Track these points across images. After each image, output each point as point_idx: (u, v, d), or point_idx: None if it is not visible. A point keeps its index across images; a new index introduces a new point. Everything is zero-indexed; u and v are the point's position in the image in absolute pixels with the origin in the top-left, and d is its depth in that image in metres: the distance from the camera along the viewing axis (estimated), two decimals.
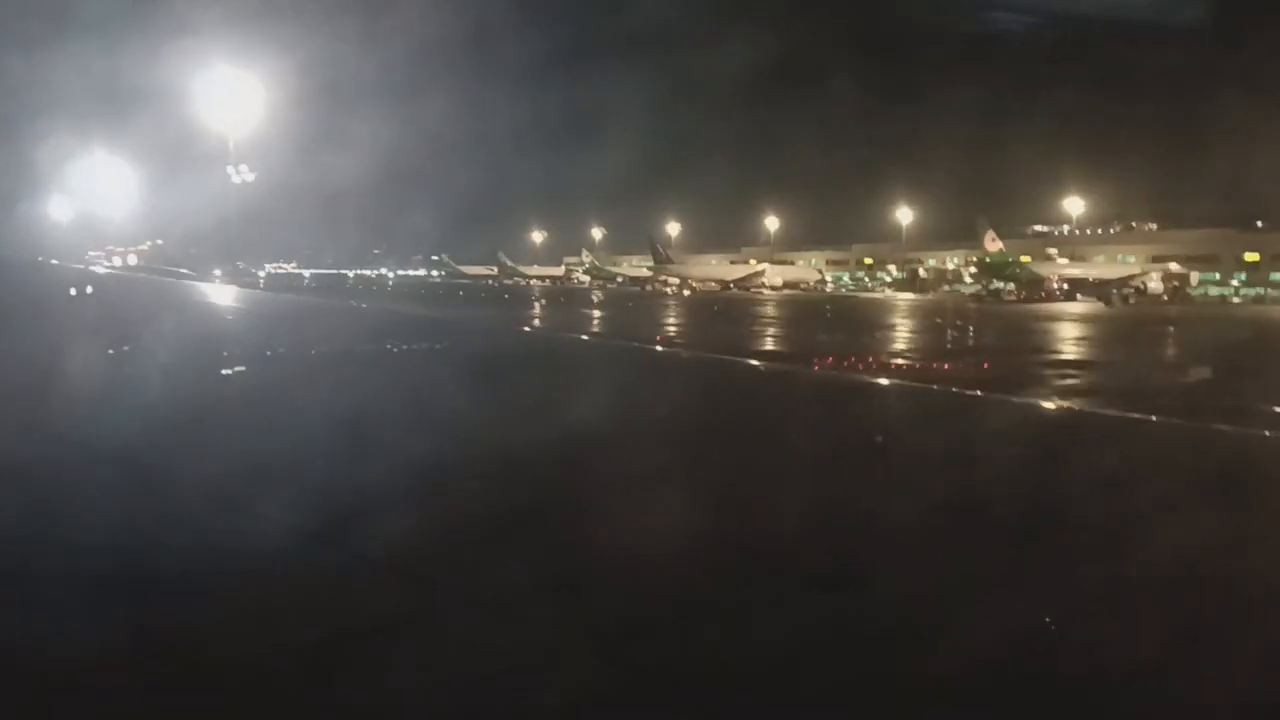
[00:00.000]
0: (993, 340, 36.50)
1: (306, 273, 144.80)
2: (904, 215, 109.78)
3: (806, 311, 58.40)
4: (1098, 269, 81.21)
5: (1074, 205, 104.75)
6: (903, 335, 38.81)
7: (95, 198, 63.18)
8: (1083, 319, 51.79)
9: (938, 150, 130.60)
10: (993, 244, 77.97)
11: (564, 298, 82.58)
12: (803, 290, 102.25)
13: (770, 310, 59.26)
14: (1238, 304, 79.72)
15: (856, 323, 45.85)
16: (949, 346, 34.01)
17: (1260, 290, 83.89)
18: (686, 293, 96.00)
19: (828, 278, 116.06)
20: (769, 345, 33.83)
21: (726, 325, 46.50)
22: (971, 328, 41.67)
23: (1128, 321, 50.67)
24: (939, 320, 48.24)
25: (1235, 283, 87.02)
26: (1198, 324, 47.96)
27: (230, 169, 46.66)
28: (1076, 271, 79.27)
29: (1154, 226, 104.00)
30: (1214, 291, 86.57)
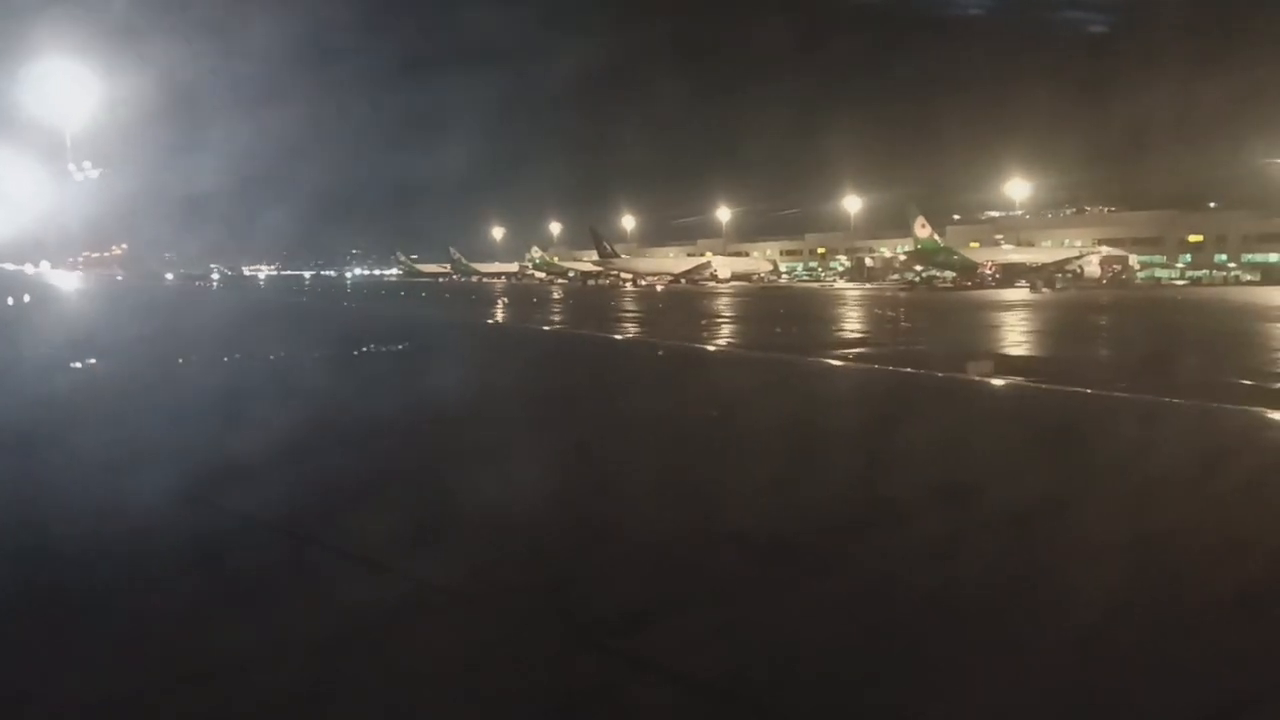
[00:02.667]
0: (831, 325, 35.18)
1: (263, 274, 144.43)
2: (853, 203, 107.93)
3: (706, 302, 56.89)
4: (1034, 254, 79.31)
5: (1029, 190, 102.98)
6: (745, 322, 37.42)
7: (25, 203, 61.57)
8: (989, 304, 50.26)
9: (894, 138, 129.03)
10: (923, 230, 76.06)
11: (475, 292, 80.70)
12: (752, 282, 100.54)
13: (671, 301, 57.80)
14: (1175, 286, 77.85)
15: (727, 311, 44.49)
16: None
17: (1206, 272, 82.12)
18: (630, 286, 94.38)
19: (782, 268, 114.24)
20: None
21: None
22: (842, 315, 40.24)
23: (1025, 306, 48.99)
24: (815, 309, 46.77)
25: (1180, 265, 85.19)
26: (1096, 308, 46.38)
27: (71, 166, 44.92)
28: (1011, 257, 77.44)
29: (1110, 209, 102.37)
30: (1161, 274, 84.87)
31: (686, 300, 60.87)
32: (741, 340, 28.55)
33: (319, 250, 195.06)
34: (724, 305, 52.97)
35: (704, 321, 38.30)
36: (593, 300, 63.83)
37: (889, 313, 42.93)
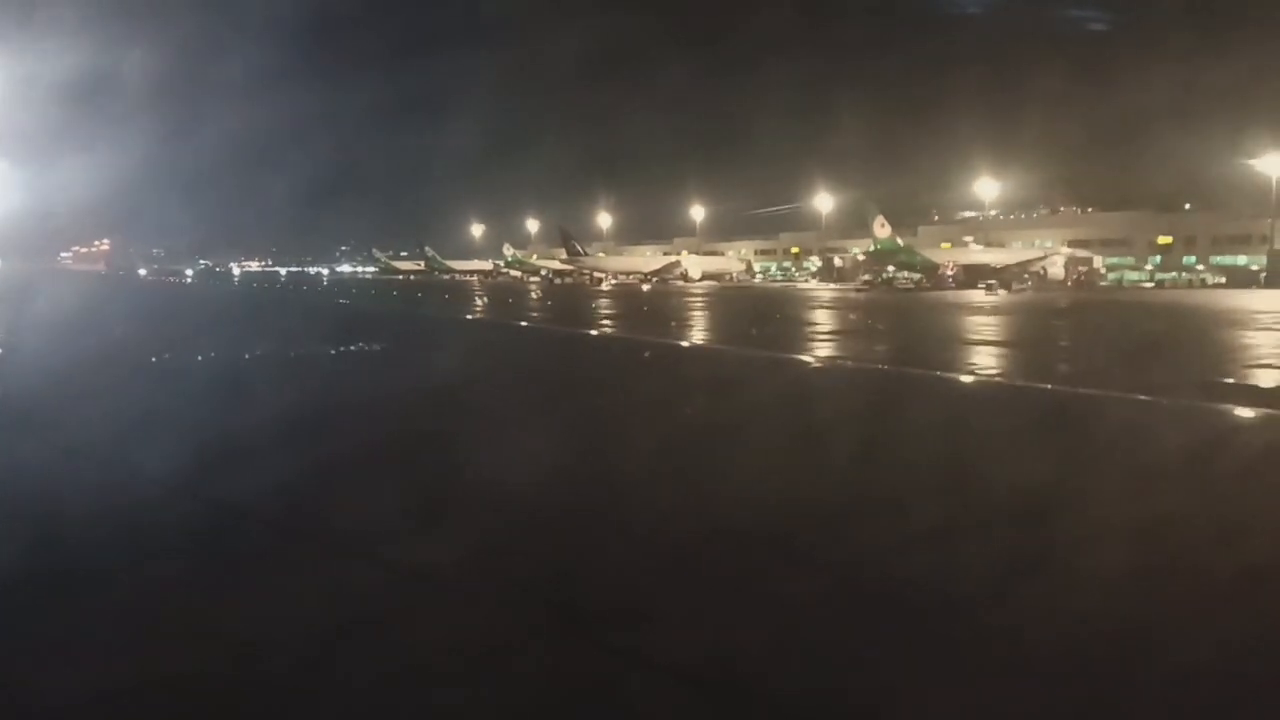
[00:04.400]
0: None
1: (237, 271, 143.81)
2: (828, 203, 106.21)
3: (649, 300, 55.83)
4: (996, 254, 77.74)
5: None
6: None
7: None
8: (927, 305, 48.94)
9: (875, 137, 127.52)
10: (882, 230, 74.54)
11: (427, 289, 79.48)
12: (724, 282, 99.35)
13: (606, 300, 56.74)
14: (1137, 289, 76.18)
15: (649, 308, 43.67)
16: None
17: (1175, 274, 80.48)
18: (604, 286, 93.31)
19: (756, 268, 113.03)
20: None
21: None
22: (756, 314, 39.04)
23: (965, 308, 47.66)
24: (741, 309, 45.59)
25: (1149, 266, 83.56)
26: (1034, 310, 45.02)
27: None
28: (973, 258, 75.84)
29: (1089, 209, 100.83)
30: (1131, 276, 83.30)
31: (632, 298, 59.82)
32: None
33: (309, 246, 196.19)
34: (661, 303, 51.93)
35: (612, 314, 37.70)
36: (525, 296, 62.64)
37: (804, 313, 41.66)
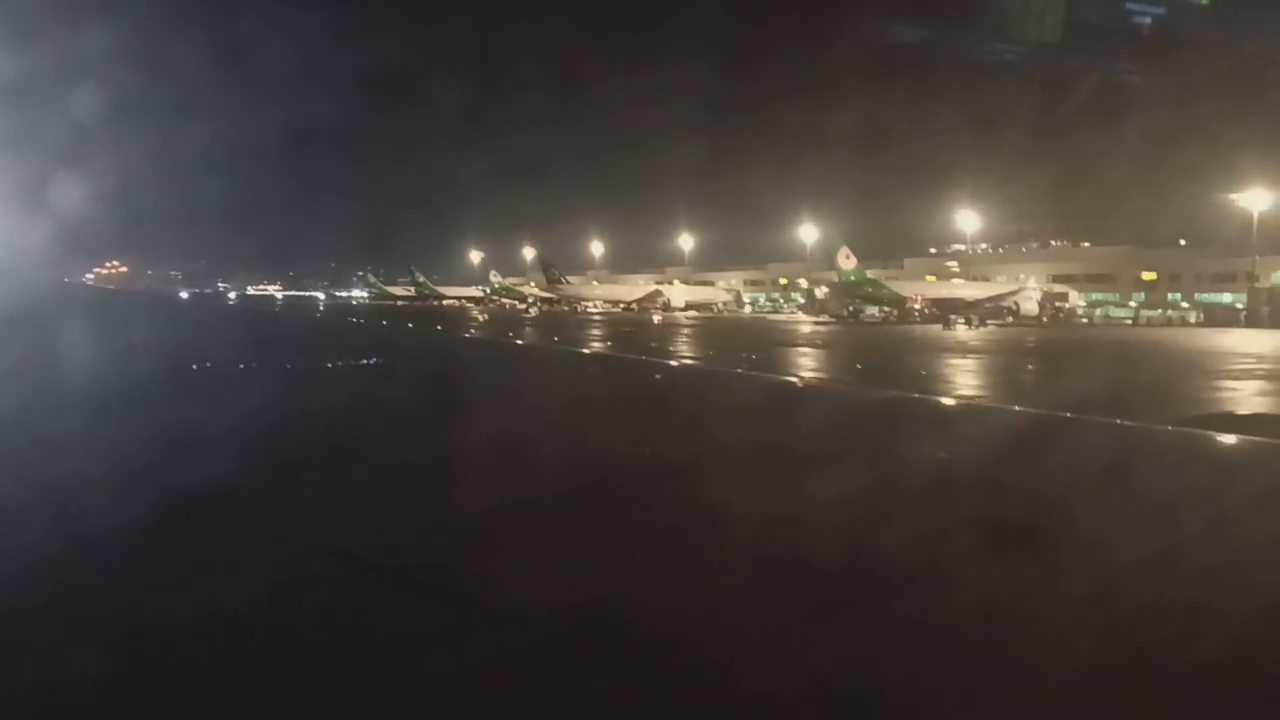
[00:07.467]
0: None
1: (233, 294, 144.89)
2: (816, 234, 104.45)
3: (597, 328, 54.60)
4: (968, 289, 75.61)
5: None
6: None
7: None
8: (856, 339, 47.21)
9: (866, 169, 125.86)
10: (847, 262, 72.75)
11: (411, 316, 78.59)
12: (708, 311, 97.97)
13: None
14: (1111, 326, 73.47)
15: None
16: None
17: (1156, 312, 77.88)
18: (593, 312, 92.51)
19: (746, 298, 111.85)
20: None
21: None
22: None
23: (897, 342, 45.88)
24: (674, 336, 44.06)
25: (1134, 303, 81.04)
26: (956, 349, 43.13)
27: None
28: (940, 291, 73.77)
29: (1084, 244, 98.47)
30: (1116, 313, 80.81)
31: (572, 323, 58.72)
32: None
33: (326, 271, 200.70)
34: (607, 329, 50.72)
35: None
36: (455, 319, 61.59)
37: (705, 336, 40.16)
